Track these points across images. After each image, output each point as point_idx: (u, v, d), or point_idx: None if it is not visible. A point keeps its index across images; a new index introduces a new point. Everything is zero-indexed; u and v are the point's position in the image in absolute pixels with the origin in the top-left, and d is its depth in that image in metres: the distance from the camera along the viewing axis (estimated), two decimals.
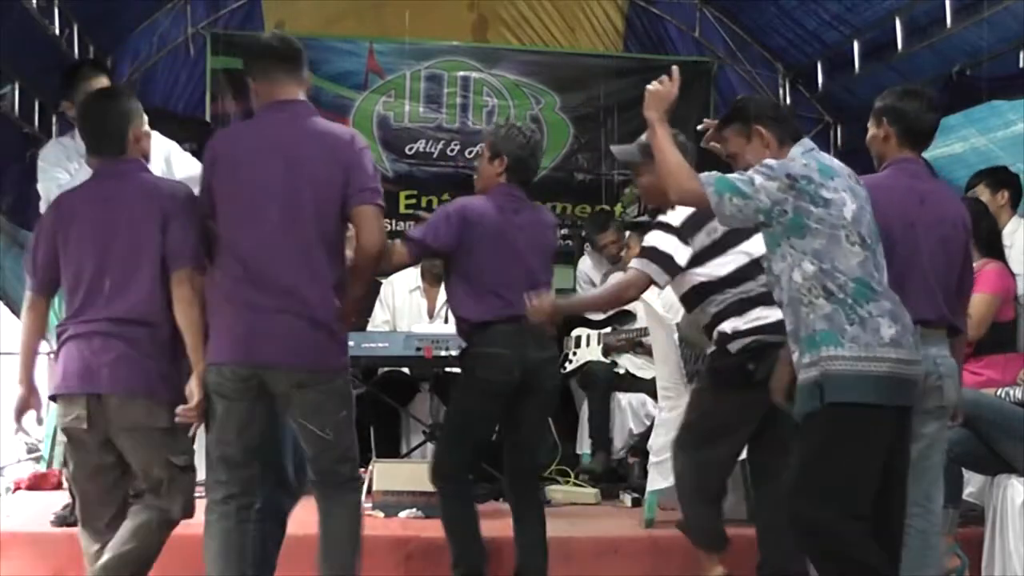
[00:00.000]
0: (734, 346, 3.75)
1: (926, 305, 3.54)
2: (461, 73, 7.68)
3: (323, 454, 3.44)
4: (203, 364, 3.36)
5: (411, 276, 6.19)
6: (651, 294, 5.35)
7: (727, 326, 3.78)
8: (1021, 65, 5.50)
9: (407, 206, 7.54)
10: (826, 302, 3.18)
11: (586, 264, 6.80)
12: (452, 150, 7.65)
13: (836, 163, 3.35)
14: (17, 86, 5.83)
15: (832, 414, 3.16)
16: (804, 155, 3.31)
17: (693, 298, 3.88)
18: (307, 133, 3.43)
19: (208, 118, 7.15)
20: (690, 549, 4.59)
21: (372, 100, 7.61)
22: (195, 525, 3.65)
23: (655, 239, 3.79)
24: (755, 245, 3.70)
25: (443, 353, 5.29)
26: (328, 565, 3.46)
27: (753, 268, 3.76)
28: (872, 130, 3.66)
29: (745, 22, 7.48)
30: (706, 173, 3.27)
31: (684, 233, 3.77)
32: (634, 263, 3.83)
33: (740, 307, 3.78)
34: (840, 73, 7.03)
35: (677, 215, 3.79)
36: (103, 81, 4.55)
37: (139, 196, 3.41)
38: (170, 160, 4.46)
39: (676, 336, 4.89)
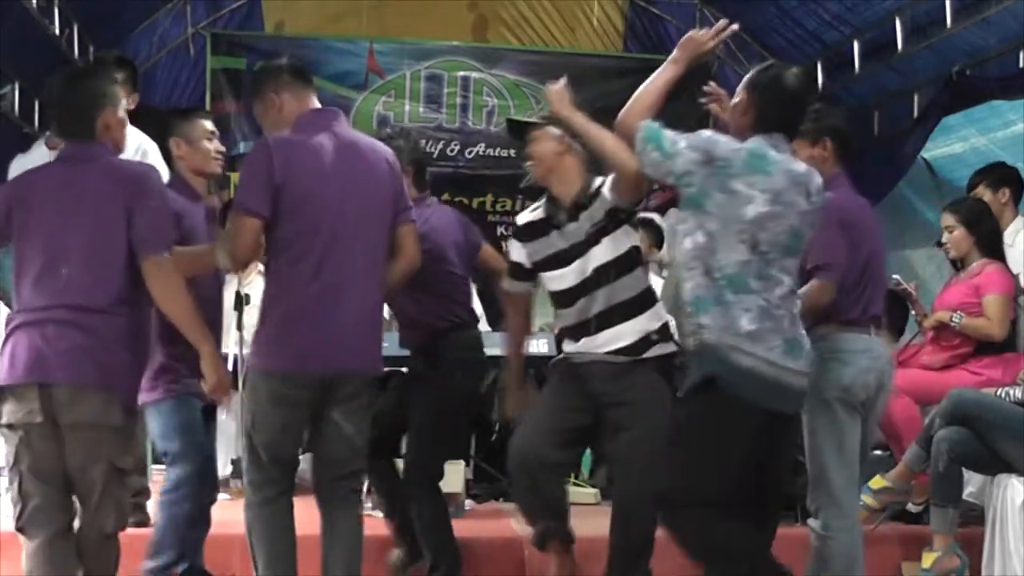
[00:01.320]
0: None
1: (881, 305, 3.79)
2: (461, 73, 7.68)
3: (347, 460, 3.48)
4: (208, 345, 3.25)
5: None
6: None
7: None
8: (1021, 65, 5.50)
9: None
10: (703, 278, 3.20)
11: None
12: (452, 150, 7.66)
13: (787, 167, 3.22)
14: (17, 86, 5.84)
15: (707, 395, 3.16)
16: (751, 143, 3.25)
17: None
18: (360, 145, 3.53)
19: None
20: None
21: (372, 100, 7.61)
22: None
23: None
24: None
25: None
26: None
27: None
28: (809, 150, 3.71)
29: (745, 22, 7.46)
30: (649, 121, 3.30)
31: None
32: None
33: None
34: (840, 73, 7.02)
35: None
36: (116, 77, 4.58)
37: (104, 181, 3.19)
38: (146, 155, 4.45)
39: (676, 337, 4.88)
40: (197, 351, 3.28)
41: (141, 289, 3.18)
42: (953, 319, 4.68)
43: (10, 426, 3.15)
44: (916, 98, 6.40)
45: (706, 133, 3.25)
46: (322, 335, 3.35)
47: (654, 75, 3.37)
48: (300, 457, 4.67)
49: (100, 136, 3.26)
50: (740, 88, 3.41)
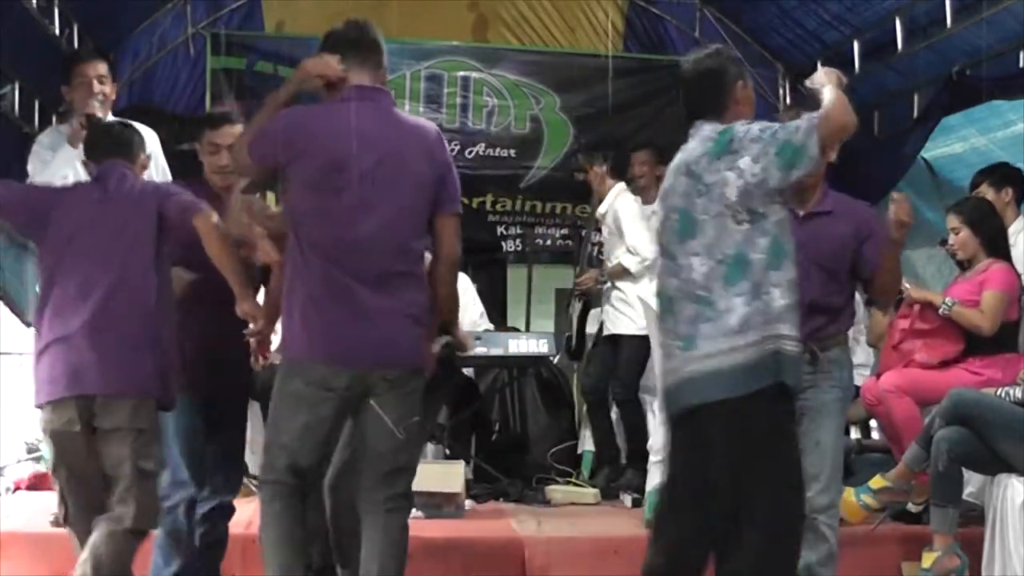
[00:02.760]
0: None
1: None
2: (461, 73, 7.67)
3: (388, 456, 3.29)
4: (248, 295, 3.42)
5: None
6: (648, 292, 5.36)
7: None
8: (1021, 65, 5.49)
9: None
10: None
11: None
12: (452, 150, 7.59)
13: (672, 166, 3.29)
14: (17, 86, 5.83)
15: None
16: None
17: None
18: (401, 125, 3.38)
19: None
20: None
21: None
22: None
23: None
24: None
25: None
26: None
27: None
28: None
29: (745, 22, 7.47)
30: None
31: None
32: None
33: None
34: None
35: None
36: (101, 67, 4.60)
37: (132, 196, 3.48)
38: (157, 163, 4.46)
39: None
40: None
41: (164, 294, 3.45)
42: (945, 301, 4.67)
43: (53, 434, 3.37)
44: (916, 98, 6.39)
45: None
46: (347, 327, 3.20)
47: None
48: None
49: (136, 163, 3.62)
50: None
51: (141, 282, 3.39)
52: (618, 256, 5.81)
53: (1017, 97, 5.66)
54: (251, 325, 3.43)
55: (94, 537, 3.31)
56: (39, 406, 3.41)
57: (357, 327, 3.21)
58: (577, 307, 6.13)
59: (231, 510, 3.94)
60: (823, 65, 7.06)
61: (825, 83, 3.23)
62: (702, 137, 3.22)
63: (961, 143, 6.43)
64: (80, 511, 3.44)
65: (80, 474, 3.40)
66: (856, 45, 6.66)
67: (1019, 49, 5.48)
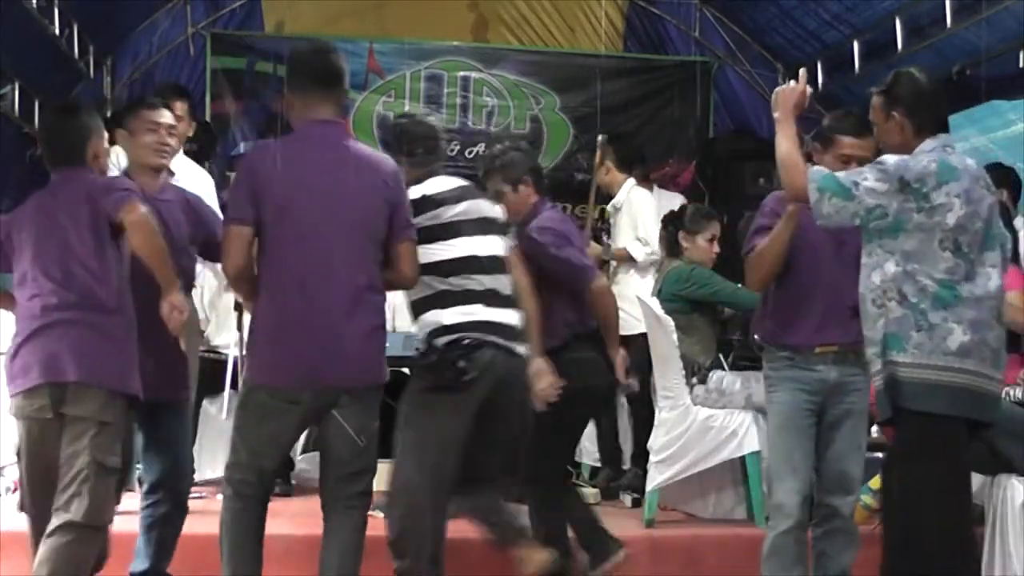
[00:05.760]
0: (441, 341, 3.61)
1: None
2: (461, 73, 7.68)
3: (351, 461, 3.49)
4: (176, 286, 3.35)
5: None
6: (646, 292, 5.36)
7: (431, 317, 3.65)
8: (1021, 65, 5.50)
9: None
10: (898, 306, 3.21)
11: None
12: (452, 150, 7.64)
13: (966, 164, 3.29)
14: (17, 86, 5.84)
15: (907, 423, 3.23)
16: (931, 152, 3.27)
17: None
18: (357, 160, 3.50)
19: (208, 118, 7.15)
20: (690, 549, 4.60)
21: (372, 100, 7.61)
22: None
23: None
24: (488, 244, 3.70)
25: None
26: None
27: (476, 264, 3.68)
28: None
29: (745, 22, 7.48)
30: (815, 168, 3.30)
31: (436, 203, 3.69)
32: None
33: (451, 299, 3.65)
34: (840, 73, 7.02)
35: (430, 186, 3.70)
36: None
37: (87, 196, 3.42)
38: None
39: (675, 336, 4.88)
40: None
41: (129, 293, 3.44)
42: None
43: (23, 420, 3.40)
44: None
45: (891, 159, 3.23)
46: (307, 351, 3.36)
47: (779, 141, 3.37)
48: (305, 456, 4.65)
49: (90, 163, 3.52)
50: (879, 110, 3.38)
51: (107, 275, 3.38)
52: (626, 243, 5.82)
53: (1017, 97, 5.67)
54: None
55: (45, 545, 3.31)
56: (13, 395, 3.39)
57: (321, 354, 3.38)
58: None
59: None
60: (823, 65, 7.14)
61: None
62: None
63: (961, 143, 6.40)
64: (35, 503, 3.44)
65: (43, 463, 3.37)
66: (856, 45, 6.67)
67: (1019, 49, 5.49)
